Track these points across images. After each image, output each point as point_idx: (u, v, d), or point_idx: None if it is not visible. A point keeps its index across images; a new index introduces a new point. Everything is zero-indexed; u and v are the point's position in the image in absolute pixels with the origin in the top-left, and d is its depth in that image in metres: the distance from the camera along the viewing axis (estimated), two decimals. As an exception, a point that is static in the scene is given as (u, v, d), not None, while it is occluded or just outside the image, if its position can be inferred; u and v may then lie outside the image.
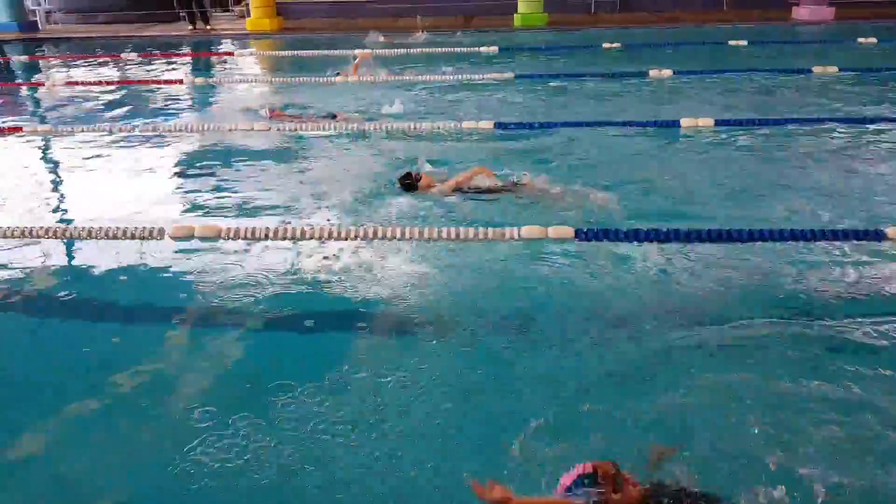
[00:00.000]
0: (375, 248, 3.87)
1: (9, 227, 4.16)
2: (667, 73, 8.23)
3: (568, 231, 3.92)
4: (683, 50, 10.34)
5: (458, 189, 4.61)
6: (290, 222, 4.27)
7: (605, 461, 1.96)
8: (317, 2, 14.43)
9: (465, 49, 10.38)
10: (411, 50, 10.36)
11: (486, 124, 6.27)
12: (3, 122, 7.05)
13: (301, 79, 8.67)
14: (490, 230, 3.94)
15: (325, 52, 10.54)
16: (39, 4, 14.96)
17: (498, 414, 2.54)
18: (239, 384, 2.75)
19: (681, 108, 6.77)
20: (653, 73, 8.23)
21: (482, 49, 10.33)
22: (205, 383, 2.79)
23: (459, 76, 8.40)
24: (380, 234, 3.95)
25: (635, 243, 3.78)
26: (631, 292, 3.39)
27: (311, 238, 3.99)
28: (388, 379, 2.69)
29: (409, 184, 4.63)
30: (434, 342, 3.01)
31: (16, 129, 6.68)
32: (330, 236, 3.99)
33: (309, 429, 2.41)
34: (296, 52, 11.03)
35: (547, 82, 8.33)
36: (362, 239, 3.94)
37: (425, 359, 2.84)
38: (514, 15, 12.87)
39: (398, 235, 3.95)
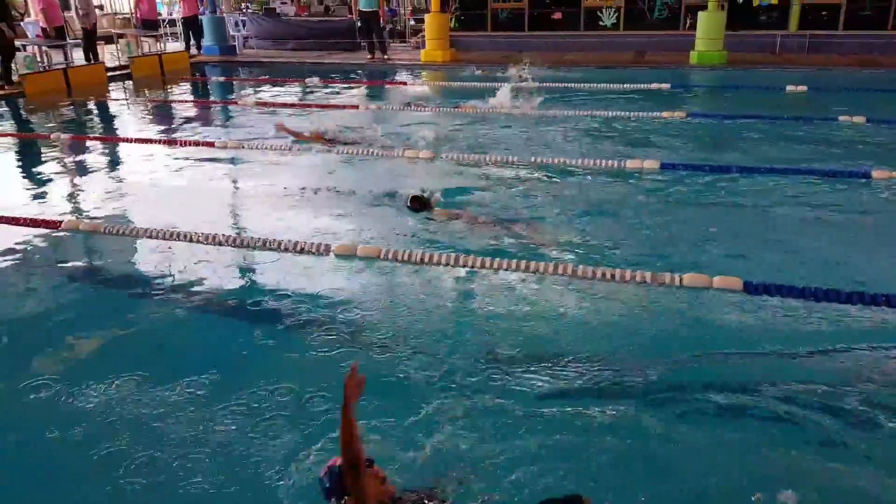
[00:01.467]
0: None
1: (194, 233, 4.57)
2: (859, 119, 7.51)
3: (735, 282, 3.69)
4: (880, 96, 9.41)
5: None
6: (449, 249, 4.30)
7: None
8: (488, 36, 14.77)
9: (635, 85, 10.13)
10: (574, 84, 10.29)
11: (652, 164, 6.02)
12: (199, 137, 7.82)
13: (455, 109, 8.89)
14: (648, 274, 3.77)
15: (488, 84, 10.78)
16: (238, 31, 16.63)
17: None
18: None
19: (873, 158, 6.13)
20: (843, 118, 7.55)
21: (653, 85, 10.04)
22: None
23: (626, 112, 8.19)
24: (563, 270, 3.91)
25: (807, 300, 3.47)
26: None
27: (484, 267, 4.01)
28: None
29: (418, 207, 4.82)
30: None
31: (209, 144, 7.37)
32: (506, 268, 4.01)
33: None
34: (462, 83, 11.36)
35: (722, 123, 7.89)
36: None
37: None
38: (691, 52, 12.38)
39: (567, 272, 3.88)
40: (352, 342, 3.27)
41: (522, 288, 3.82)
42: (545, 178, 5.94)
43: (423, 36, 14.29)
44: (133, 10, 15.23)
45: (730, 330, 3.36)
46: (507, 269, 3.97)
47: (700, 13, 12.27)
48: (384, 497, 1.99)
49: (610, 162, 6.11)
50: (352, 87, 11.64)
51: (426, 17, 14.34)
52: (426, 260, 4.09)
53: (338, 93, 10.98)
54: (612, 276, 3.82)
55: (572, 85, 10.40)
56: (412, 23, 17.90)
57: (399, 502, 2.03)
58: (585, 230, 4.65)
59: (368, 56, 14.49)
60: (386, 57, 14.44)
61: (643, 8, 13.90)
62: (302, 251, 4.29)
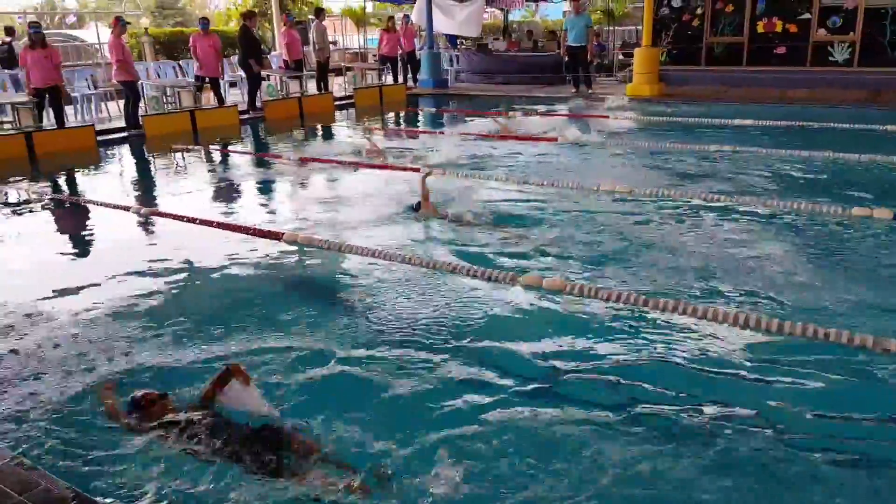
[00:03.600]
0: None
1: (396, 253, 4.88)
2: None
3: None
4: None
5: None
6: (647, 292, 4.16)
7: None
8: (701, 70, 14.15)
9: (867, 125, 9.14)
10: (796, 122, 9.51)
11: (884, 213, 5.36)
12: (406, 162, 8.35)
13: (659, 144, 8.60)
14: None
15: (700, 119, 10.35)
16: (451, 66, 17.57)
17: None
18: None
19: None
20: None
21: (889, 127, 8.97)
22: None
23: (856, 155, 7.41)
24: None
25: None
26: None
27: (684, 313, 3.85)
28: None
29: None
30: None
31: (415, 170, 7.83)
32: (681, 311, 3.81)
33: None
34: (668, 118, 11.01)
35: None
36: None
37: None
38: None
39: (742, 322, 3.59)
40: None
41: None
42: (763, 221, 5.55)
43: (631, 70, 14.06)
44: (377, 49, 16.72)
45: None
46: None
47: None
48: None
49: (833, 209, 5.55)
50: (553, 120, 11.75)
51: (636, 51, 14.11)
52: (608, 297, 3.99)
53: (539, 125, 11.14)
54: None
55: (796, 123, 9.63)
56: (620, 57, 17.70)
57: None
58: (809, 283, 4.27)
59: (573, 90, 14.56)
60: (591, 91, 14.41)
61: (883, 42, 12.46)
62: (490, 279, 4.39)
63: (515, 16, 24.06)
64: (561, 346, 3.61)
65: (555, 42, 18.54)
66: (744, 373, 3.28)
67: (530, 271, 4.49)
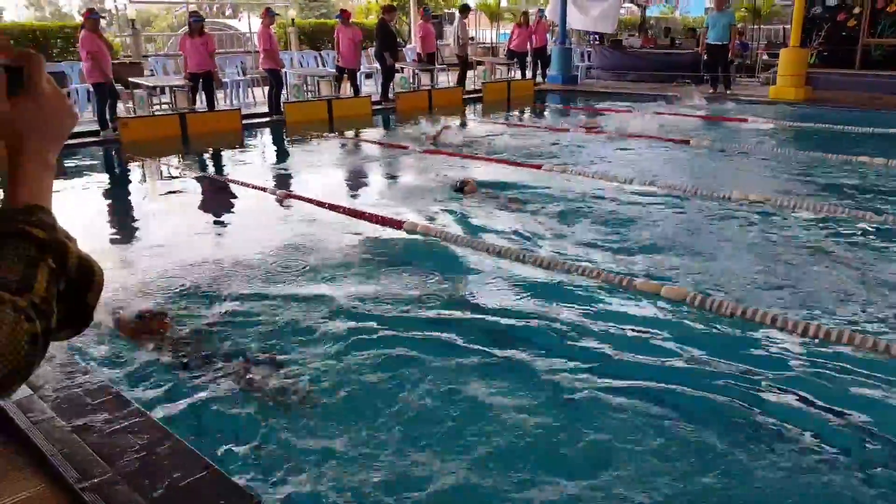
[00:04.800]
0: None
1: (510, 249, 4.94)
2: None
3: None
4: None
5: None
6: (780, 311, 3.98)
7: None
8: (855, 74, 13.10)
9: None
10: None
11: None
12: (525, 159, 8.36)
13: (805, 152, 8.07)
14: None
15: (844, 127, 9.62)
16: (583, 62, 17.30)
17: None
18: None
19: None
20: None
21: None
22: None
23: None
24: None
25: None
26: None
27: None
28: None
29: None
30: None
31: (536, 167, 7.84)
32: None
33: None
34: (813, 123, 10.32)
35: None
36: None
37: None
38: None
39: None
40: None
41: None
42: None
43: (775, 71, 13.25)
44: (507, 43, 16.79)
45: None
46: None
47: None
48: None
49: None
50: (686, 120, 11.32)
51: (781, 51, 13.28)
52: (738, 313, 3.84)
53: (669, 124, 10.78)
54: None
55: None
56: (765, 57, 16.72)
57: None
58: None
59: (710, 90, 13.93)
60: (729, 92, 13.73)
61: None
62: (606, 281, 4.35)
63: (654, 11, 23.27)
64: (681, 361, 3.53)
65: (693, 40, 17.77)
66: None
67: (638, 276, 4.41)
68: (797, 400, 3.11)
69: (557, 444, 2.77)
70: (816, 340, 3.53)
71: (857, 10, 13.00)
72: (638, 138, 9.62)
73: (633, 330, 3.81)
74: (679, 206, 6.30)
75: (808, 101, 12.44)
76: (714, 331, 3.78)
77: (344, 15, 13.13)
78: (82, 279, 0.79)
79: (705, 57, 14.24)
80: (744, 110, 12.16)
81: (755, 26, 18.94)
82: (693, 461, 2.65)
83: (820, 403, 3.07)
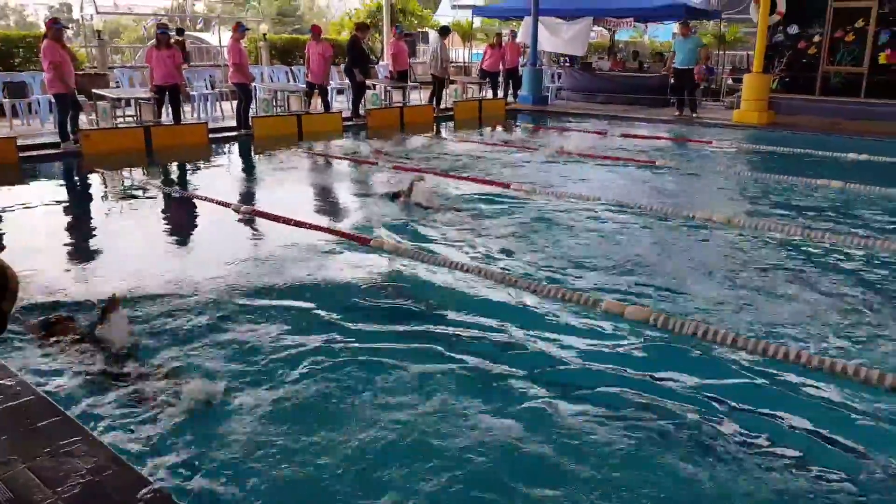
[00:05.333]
0: None
1: (475, 266, 4.91)
2: None
3: None
4: None
5: None
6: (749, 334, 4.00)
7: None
8: (815, 100, 13.46)
9: None
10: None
11: None
12: (494, 177, 8.36)
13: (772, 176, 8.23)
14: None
15: (805, 150, 9.88)
16: (553, 83, 17.51)
17: None
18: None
19: None
20: None
21: None
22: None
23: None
24: None
25: None
26: None
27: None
28: None
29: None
30: None
31: (504, 185, 7.86)
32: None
33: None
34: (774, 147, 10.57)
35: None
36: None
37: None
38: None
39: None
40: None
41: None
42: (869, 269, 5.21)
43: (739, 96, 13.54)
44: (480, 63, 16.92)
45: None
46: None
47: None
48: None
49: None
50: (652, 142, 11.48)
51: (745, 77, 13.59)
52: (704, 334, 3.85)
53: (637, 147, 10.92)
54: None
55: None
56: (729, 82, 17.10)
57: None
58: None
59: (676, 113, 14.18)
60: (694, 115, 13.99)
61: None
62: (569, 301, 4.34)
63: (623, 36, 23.67)
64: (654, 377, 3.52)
65: (661, 63, 18.10)
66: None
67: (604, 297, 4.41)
68: (755, 416, 3.12)
69: (521, 458, 2.73)
70: (772, 359, 3.55)
71: (816, 39, 13.39)
72: (605, 158, 9.71)
73: (594, 347, 3.80)
74: (643, 225, 6.35)
75: (771, 125, 12.72)
76: (677, 350, 3.78)
77: (314, 30, 13.11)
78: None
79: (672, 80, 14.51)
80: (708, 133, 12.39)
81: (720, 52, 19.38)
82: (653, 474, 2.63)
83: (779, 421, 3.08)
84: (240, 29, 11.55)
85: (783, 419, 3.11)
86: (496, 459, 2.75)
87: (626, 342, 3.87)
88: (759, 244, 5.70)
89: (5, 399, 2.78)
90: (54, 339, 3.70)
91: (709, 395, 3.31)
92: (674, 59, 14.07)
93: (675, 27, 16.81)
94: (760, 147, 10.94)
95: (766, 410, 3.17)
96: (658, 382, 3.43)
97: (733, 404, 3.22)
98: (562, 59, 19.29)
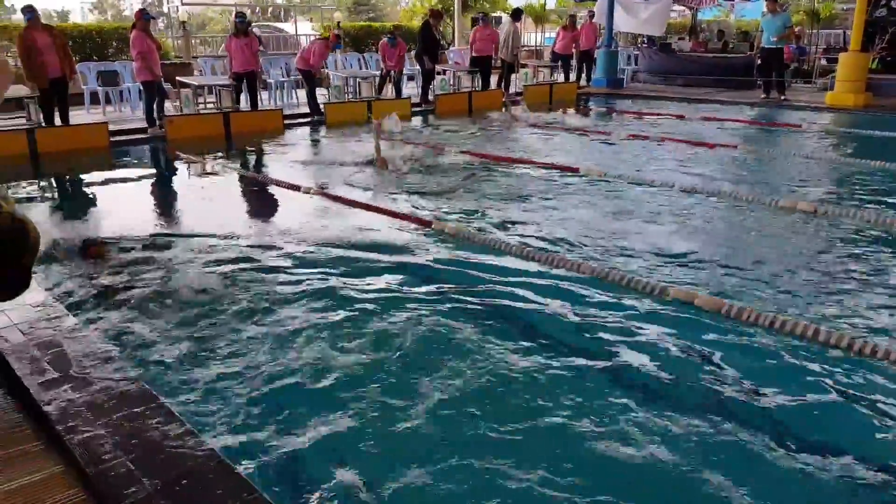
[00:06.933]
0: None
1: (528, 249, 4.79)
2: None
3: None
4: None
5: None
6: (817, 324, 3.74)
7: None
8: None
9: None
10: None
11: None
12: (564, 161, 8.16)
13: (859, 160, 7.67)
14: None
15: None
16: (629, 65, 16.95)
17: None
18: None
19: None
20: None
21: None
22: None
23: None
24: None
25: None
26: None
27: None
28: None
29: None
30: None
31: (574, 169, 7.65)
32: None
33: None
34: (870, 131, 9.87)
35: None
36: None
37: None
38: None
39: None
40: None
41: None
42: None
43: (834, 77, 12.71)
44: (552, 46, 16.61)
45: None
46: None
47: None
48: None
49: None
50: (735, 126, 10.94)
51: (840, 56, 12.73)
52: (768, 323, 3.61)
53: (718, 130, 10.43)
54: None
55: None
56: (823, 62, 16.11)
57: None
58: None
59: (762, 95, 13.47)
60: (783, 98, 13.23)
61: None
62: (635, 289, 4.16)
63: (707, 15, 22.70)
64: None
65: (747, 43, 17.24)
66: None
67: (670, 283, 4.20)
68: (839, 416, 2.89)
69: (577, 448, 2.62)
70: (858, 355, 3.29)
71: (923, 13, 12.41)
72: (682, 142, 9.32)
73: (655, 336, 3.63)
74: (721, 211, 6.04)
75: (868, 107, 11.89)
76: (749, 341, 3.56)
77: (396, 39, 13.17)
78: (17, 240, 0.70)
79: (759, 61, 13.77)
80: (797, 116, 11.72)
81: (814, 30, 18.27)
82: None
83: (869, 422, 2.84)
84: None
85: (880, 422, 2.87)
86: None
87: (702, 333, 3.67)
88: (851, 235, 5.31)
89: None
90: (91, 259, 4.56)
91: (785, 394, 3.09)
92: (761, 39, 13.35)
93: (765, 4, 15.95)
94: (855, 131, 10.25)
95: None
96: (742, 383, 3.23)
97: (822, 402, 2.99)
98: (639, 39, 18.67)
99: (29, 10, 9.19)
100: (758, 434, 2.75)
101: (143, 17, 10.03)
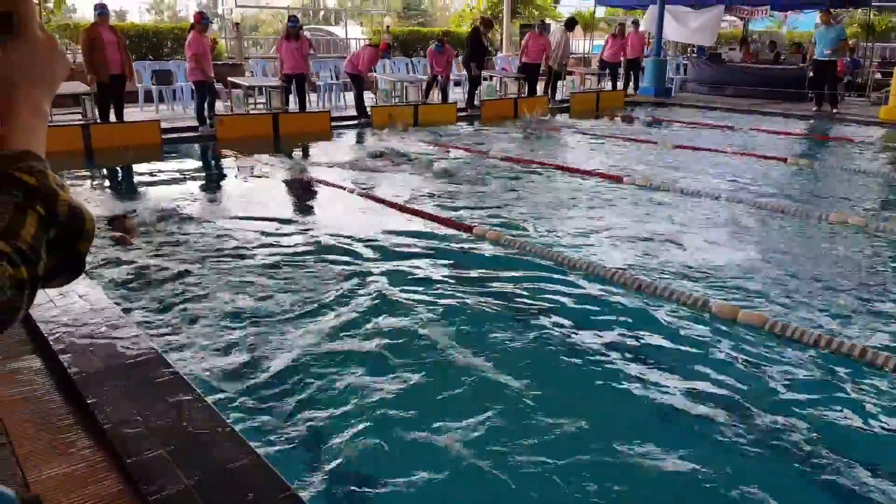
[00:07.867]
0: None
1: (581, 261, 4.81)
2: None
3: None
4: None
5: None
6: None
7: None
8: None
9: None
10: None
11: None
12: (608, 170, 8.13)
13: None
14: None
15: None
16: (678, 74, 16.77)
17: None
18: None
19: None
20: None
21: None
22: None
23: None
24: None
25: None
26: None
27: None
28: None
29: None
30: None
31: (617, 178, 7.63)
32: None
33: None
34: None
35: None
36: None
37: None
38: None
39: None
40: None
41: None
42: None
43: (888, 91, 12.39)
44: (600, 54, 16.53)
45: None
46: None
47: None
48: None
49: None
50: (784, 138, 10.75)
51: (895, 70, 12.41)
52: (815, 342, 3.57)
53: (767, 142, 10.26)
54: None
55: None
56: (878, 76, 15.70)
57: None
58: None
59: (814, 108, 13.19)
60: (835, 111, 12.94)
61: None
62: (678, 301, 4.15)
63: (758, 26, 22.26)
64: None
65: (800, 55, 16.90)
66: None
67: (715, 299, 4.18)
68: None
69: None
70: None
71: None
72: (729, 154, 9.20)
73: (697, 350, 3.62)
74: (770, 224, 5.97)
75: (924, 122, 11.56)
76: (795, 360, 3.53)
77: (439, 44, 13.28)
78: (73, 227, 0.77)
79: (811, 73, 13.49)
80: (849, 130, 11.45)
81: (869, 43, 17.80)
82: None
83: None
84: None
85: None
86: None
87: (750, 352, 3.65)
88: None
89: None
90: (118, 234, 5.05)
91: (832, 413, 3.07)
92: (814, 51, 13.08)
93: (818, 16, 15.63)
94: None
95: None
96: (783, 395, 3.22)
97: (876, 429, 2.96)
98: (689, 49, 18.45)
99: (101, 7, 9.56)
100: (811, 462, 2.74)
101: (203, 20, 10.34)
